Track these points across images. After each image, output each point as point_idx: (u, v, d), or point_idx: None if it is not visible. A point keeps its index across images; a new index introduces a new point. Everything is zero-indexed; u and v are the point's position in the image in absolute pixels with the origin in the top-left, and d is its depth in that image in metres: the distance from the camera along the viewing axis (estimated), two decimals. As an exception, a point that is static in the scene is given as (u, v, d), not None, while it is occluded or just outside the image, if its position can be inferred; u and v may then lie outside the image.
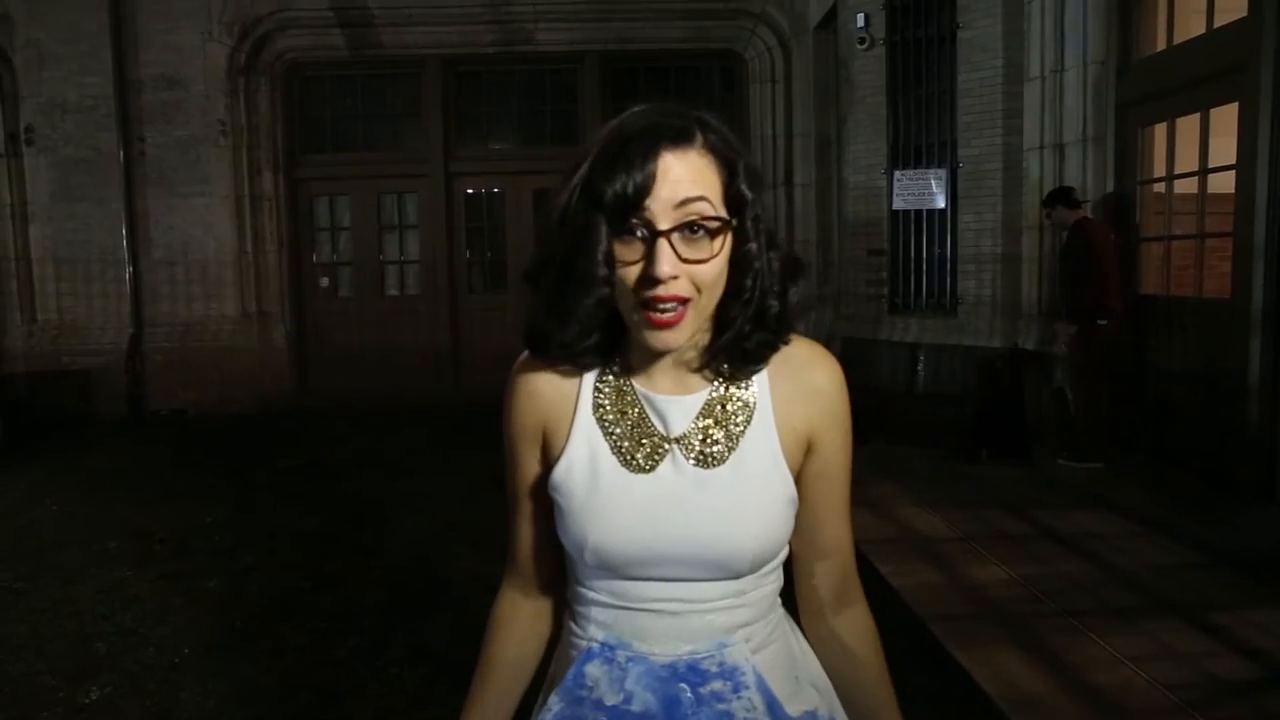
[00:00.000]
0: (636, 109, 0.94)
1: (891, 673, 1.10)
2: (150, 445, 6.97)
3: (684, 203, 0.88)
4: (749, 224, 0.93)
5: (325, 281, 9.38)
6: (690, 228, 0.89)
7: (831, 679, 1.08)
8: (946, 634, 3.29)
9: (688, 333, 0.92)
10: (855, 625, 1.08)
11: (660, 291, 0.88)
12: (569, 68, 9.07)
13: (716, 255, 0.90)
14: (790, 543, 1.04)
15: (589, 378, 1.00)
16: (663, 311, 0.89)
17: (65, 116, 8.17)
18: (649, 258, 0.88)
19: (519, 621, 1.10)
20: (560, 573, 1.08)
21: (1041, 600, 3.61)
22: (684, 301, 0.89)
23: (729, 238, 0.92)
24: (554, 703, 1.01)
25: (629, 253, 0.89)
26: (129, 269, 8.35)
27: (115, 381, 8.15)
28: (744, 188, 0.93)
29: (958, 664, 3.07)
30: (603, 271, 0.90)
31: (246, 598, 3.82)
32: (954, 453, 5.78)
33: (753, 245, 0.93)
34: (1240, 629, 3.28)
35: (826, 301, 8.16)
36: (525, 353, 1.03)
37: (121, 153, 8.25)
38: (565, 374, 1.01)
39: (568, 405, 1.00)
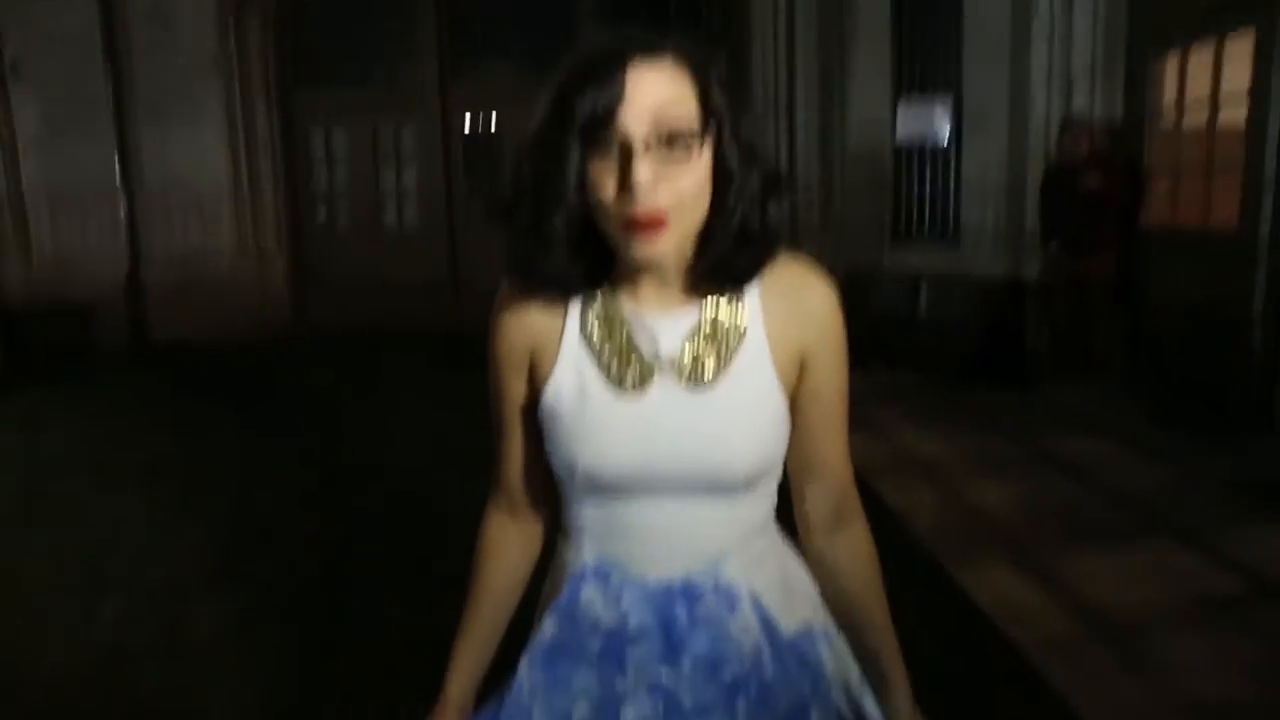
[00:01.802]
0: (604, 30, 0.92)
1: (889, 591, 1.11)
2: (152, 375, 6.99)
3: (658, 112, 0.86)
4: (726, 136, 0.90)
5: (322, 213, 9.30)
6: (667, 140, 0.86)
7: (827, 599, 1.09)
8: (944, 553, 3.36)
9: (672, 243, 0.89)
10: (852, 546, 1.07)
11: (640, 203, 0.85)
12: (566, -3, 8.87)
13: (694, 165, 0.88)
14: (786, 463, 1.04)
15: (576, 301, 0.99)
16: (645, 224, 0.87)
17: (53, 49, 8.00)
18: (625, 170, 0.86)
19: (507, 545, 1.11)
20: (547, 495, 1.08)
21: (1037, 520, 3.67)
22: (664, 213, 0.87)
23: (707, 150, 0.89)
24: (549, 626, 1.02)
25: (606, 169, 0.87)
26: (123, 202, 8.27)
27: (115, 314, 8.13)
28: (718, 98, 0.90)
29: (955, 582, 3.14)
30: (574, 192, 0.88)
31: (252, 519, 3.87)
32: (954, 379, 5.81)
33: (731, 158, 0.91)
34: (1232, 548, 3.35)
35: (829, 231, 8.11)
36: (506, 281, 1.02)
37: (111, 85, 8.10)
38: (551, 298, 0.99)
39: (554, 329, 0.99)
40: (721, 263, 0.94)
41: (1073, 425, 4.94)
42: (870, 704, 1.08)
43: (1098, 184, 5.47)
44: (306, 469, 4.54)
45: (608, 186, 0.87)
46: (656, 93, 0.86)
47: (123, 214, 8.27)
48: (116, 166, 8.20)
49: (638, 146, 0.86)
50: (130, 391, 6.41)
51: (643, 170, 0.85)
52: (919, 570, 3.23)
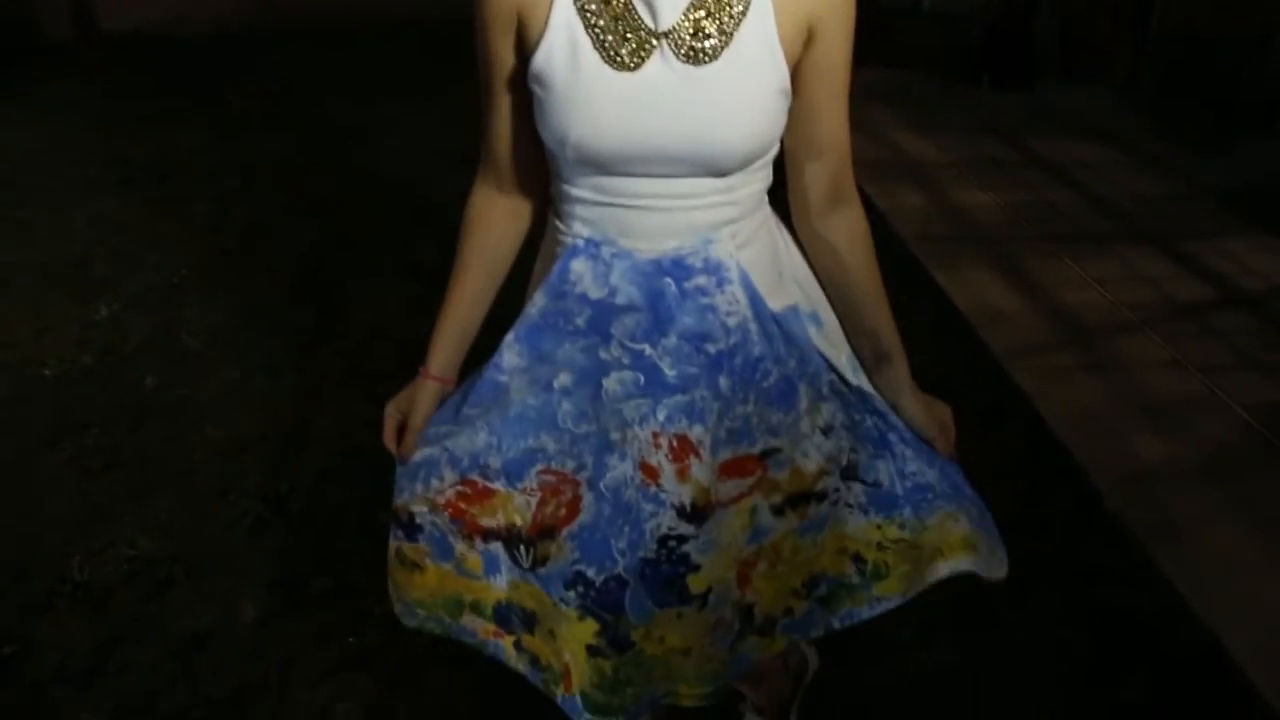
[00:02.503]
0: None
1: None
2: (107, 71, 6.57)
3: None
4: None
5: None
6: None
7: (823, 281, 1.09)
8: (926, 255, 3.40)
9: None
10: (848, 226, 1.06)
11: None
12: None
13: None
14: (784, 140, 1.00)
15: None
16: None
17: None
18: None
19: (494, 218, 1.08)
20: (536, 169, 1.04)
21: (1023, 225, 3.69)
22: None
23: None
24: (539, 298, 1.02)
25: None
26: None
27: (57, 2, 7.48)
28: None
29: (935, 283, 3.21)
30: None
31: (234, 221, 3.84)
32: (956, 77, 5.56)
33: None
34: (1207, 256, 3.41)
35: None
36: None
37: None
38: None
39: None
40: None
41: (1072, 129, 4.80)
42: (864, 382, 1.12)
43: None
44: (286, 168, 4.43)
45: None
46: None
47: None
48: None
49: None
50: (85, 89, 6.04)
51: None
52: (900, 271, 3.29)
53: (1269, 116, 4.44)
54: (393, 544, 1.15)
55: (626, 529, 1.03)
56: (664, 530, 1.02)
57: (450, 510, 1.08)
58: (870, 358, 1.12)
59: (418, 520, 1.11)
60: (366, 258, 3.45)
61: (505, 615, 1.13)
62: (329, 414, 2.51)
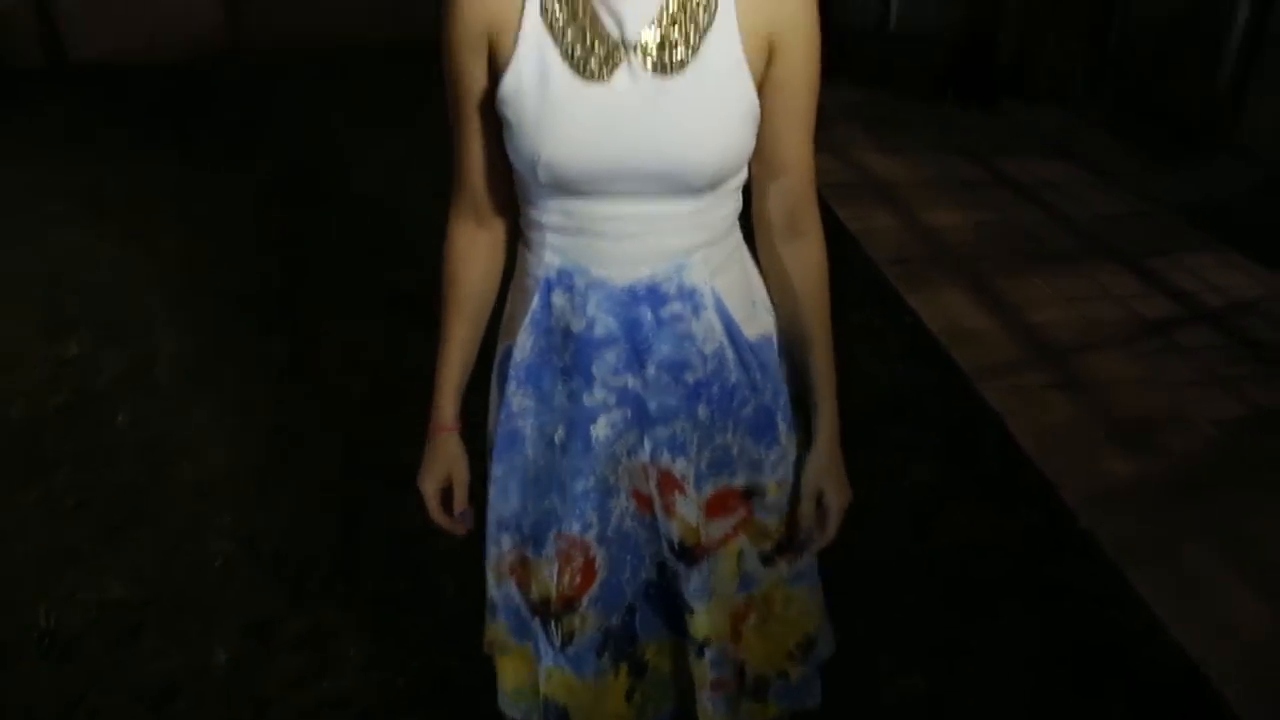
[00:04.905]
0: None
1: (841, 311, 1.10)
2: (77, 101, 6.53)
3: None
4: None
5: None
6: None
7: (775, 310, 1.09)
8: (897, 276, 3.43)
9: None
10: (803, 255, 1.05)
11: None
12: None
13: None
14: (750, 161, 1.01)
15: None
16: None
17: None
18: None
19: (477, 256, 1.08)
20: (511, 198, 1.04)
21: (990, 244, 3.73)
22: None
23: None
24: (525, 338, 1.02)
25: None
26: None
27: (24, 27, 7.41)
28: None
29: (906, 304, 3.24)
30: None
31: (206, 252, 3.81)
32: (922, 96, 5.63)
33: None
34: (1171, 272, 3.46)
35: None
36: None
37: None
38: None
39: (513, 7, 0.92)
40: None
41: (1036, 147, 4.87)
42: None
43: None
44: (258, 197, 4.41)
45: None
46: None
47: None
48: None
49: None
50: (54, 119, 6.00)
51: None
52: (872, 292, 3.32)
53: (1224, 133, 4.52)
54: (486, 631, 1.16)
55: (629, 559, 1.06)
56: (661, 557, 1.05)
57: (515, 576, 1.10)
58: (800, 393, 1.10)
59: (492, 595, 1.11)
60: (341, 288, 3.44)
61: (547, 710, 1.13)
62: (302, 450, 2.50)
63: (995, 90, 5.54)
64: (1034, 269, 3.50)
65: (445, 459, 1.10)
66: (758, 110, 0.95)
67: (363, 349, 2.98)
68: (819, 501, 1.08)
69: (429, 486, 1.10)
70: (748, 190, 1.03)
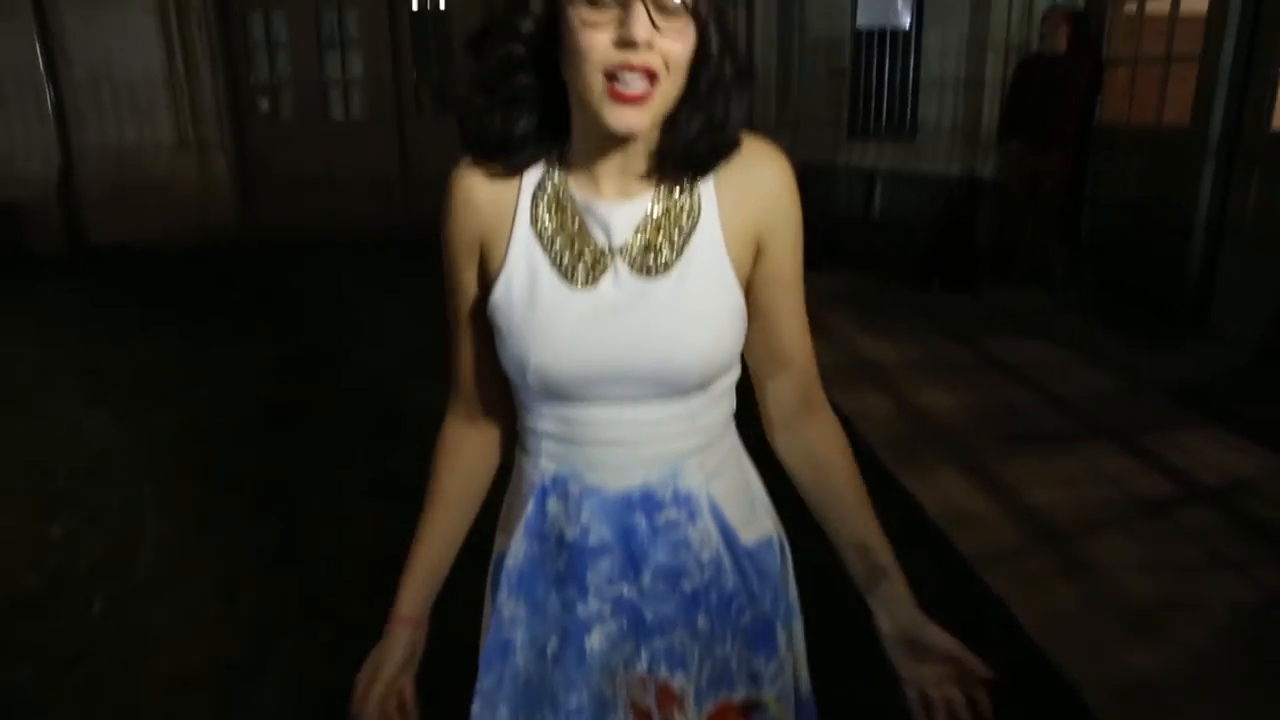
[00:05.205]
0: None
1: None
2: (93, 282, 6.76)
3: None
4: (713, 18, 0.88)
5: (265, 104, 8.90)
6: (663, 4, 0.84)
7: (804, 492, 1.06)
8: (893, 459, 3.43)
9: (650, 117, 0.87)
10: (824, 429, 1.04)
11: (633, 58, 0.83)
12: None
13: (685, 33, 0.86)
14: (747, 357, 1.02)
15: (527, 186, 0.95)
16: (629, 84, 0.84)
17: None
18: (624, 21, 0.82)
19: (465, 453, 1.08)
20: (505, 401, 1.05)
21: (983, 425, 3.76)
22: (653, 78, 0.84)
23: (694, 27, 0.87)
24: (520, 544, 1.01)
25: (598, 16, 0.84)
26: (49, 90, 7.80)
27: (49, 215, 7.77)
28: None
29: (901, 486, 3.22)
30: (529, 26, 0.88)
31: (203, 433, 3.82)
32: (906, 282, 5.84)
33: (713, 42, 0.88)
34: (1164, 451, 3.47)
35: (785, 127, 7.96)
36: (462, 162, 0.97)
37: (28, -38, 7.53)
38: (502, 183, 0.95)
39: (505, 218, 0.95)
40: (686, 148, 0.91)
41: (1020, 329, 5.01)
42: (798, 628, 1.08)
43: (1070, 74, 5.38)
44: (259, 378, 4.47)
45: (598, 36, 0.84)
46: None
47: (50, 105, 7.83)
48: (38, 50, 7.70)
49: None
50: (69, 299, 6.20)
51: (641, 25, 0.83)
52: (868, 477, 3.29)
53: (1200, 313, 4.67)
54: None
55: None
56: None
57: None
58: (863, 574, 1.04)
59: None
60: (337, 470, 3.42)
61: None
62: (287, 645, 2.40)
63: (978, 275, 5.75)
64: (1028, 449, 3.50)
65: (381, 652, 1.05)
66: (744, 307, 0.96)
67: (356, 535, 2.92)
68: (929, 652, 0.99)
69: (361, 681, 1.05)
70: (742, 389, 1.04)
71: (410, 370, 4.30)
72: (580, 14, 0.84)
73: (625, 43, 0.82)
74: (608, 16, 0.83)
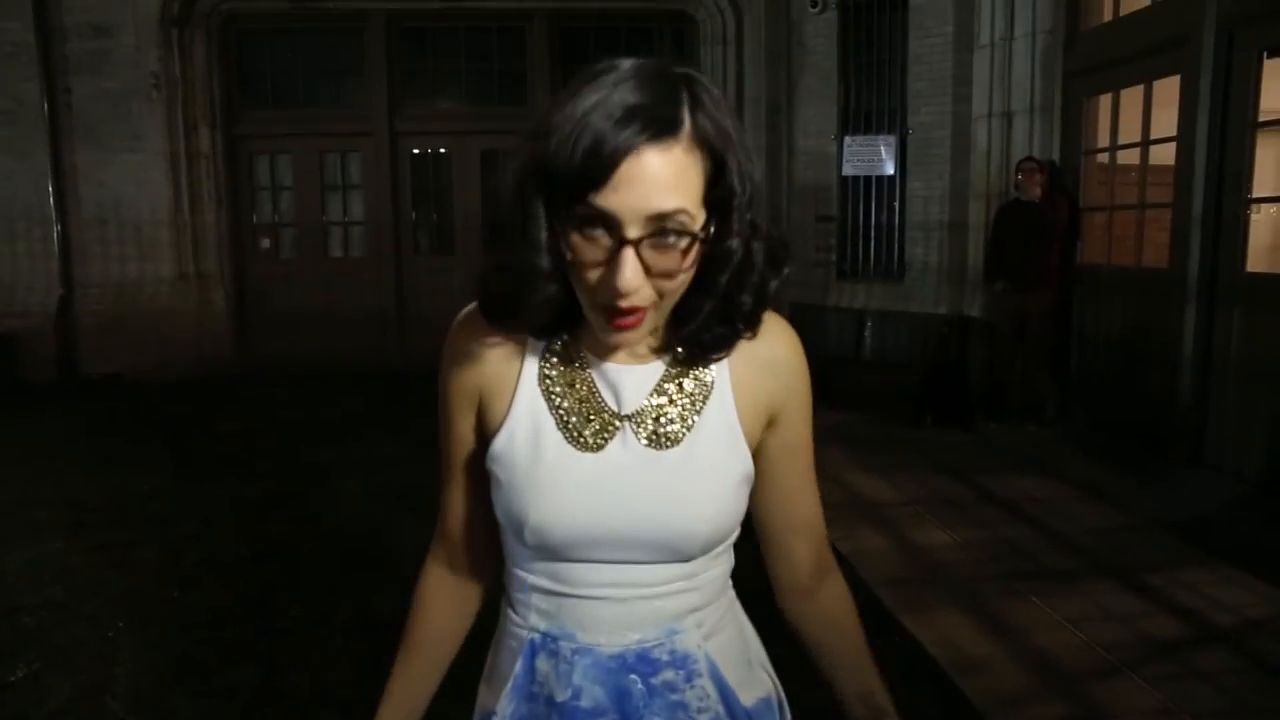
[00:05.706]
0: (621, 69, 0.80)
1: None
2: (83, 411, 6.73)
3: (659, 215, 0.78)
4: (733, 219, 0.83)
5: (266, 243, 9.11)
6: (662, 233, 0.79)
7: (814, 653, 1.05)
8: (892, 599, 3.34)
9: (646, 330, 0.86)
10: (837, 590, 1.05)
11: (622, 302, 0.81)
12: (517, 26, 8.85)
13: (685, 267, 0.82)
14: (762, 523, 1.00)
15: (536, 345, 0.93)
16: (621, 314, 0.82)
17: (-16, 65, 7.75)
18: (612, 265, 0.79)
19: (441, 600, 1.04)
20: (489, 553, 1.02)
21: (984, 564, 3.68)
22: (644, 308, 0.83)
23: (701, 245, 0.83)
24: (506, 705, 0.96)
25: (591, 250, 0.80)
26: (57, 227, 7.99)
27: (44, 345, 7.83)
28: (733, 182, 0.81)
29: (904, 628, 3.12)
30: (546, 266, 0.82)
31: (184, 568, 3.71)
32: (899, 419, 5.86)
33: (734, 242, 0.83)
34: (1171, 590, 3.39)
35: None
36: (468, 307, 0.95)
37: (46, 104, 7.85)
38: (510, 335, 0.93)
39: (510, 371, 0.92)
40: (695, 338, 0.90)
41: (1015, 464, 4.99)
42: None
43: (1047, 219, 5.58)
44: (243, 512, 4.38)
45: (590, 271, 0.81)
46: (661, 192, 0.78)
47: (56, 240, 8.01)
48: (50, 189, 7.94)
49: (629, 245, 0.79)
50: (58, 429, 6.16)
51: (628, 275, 0.79)
52: (868, 617, 3.20)
53: (1193, 445, 4.67)
54: None
55: None
56: None
57: None
58: (864, 718, 1.05)
59: None
60: (318, 608, 3.31)
61: None
62: (256, 794, 2.25)
63: (971, 413, 5.78)
64: (1031, 588, 3.42)
65: None
66: (752, 473, 0.95)
67: (336, 676, 2.79)
68: None
69: None
70: (740, 549, 1.02)
71: (399, 507, 4.23)
72: (573, 242, 0.81)
73: (611, 281, 0.80)
74: (599, 250, 0.80)
